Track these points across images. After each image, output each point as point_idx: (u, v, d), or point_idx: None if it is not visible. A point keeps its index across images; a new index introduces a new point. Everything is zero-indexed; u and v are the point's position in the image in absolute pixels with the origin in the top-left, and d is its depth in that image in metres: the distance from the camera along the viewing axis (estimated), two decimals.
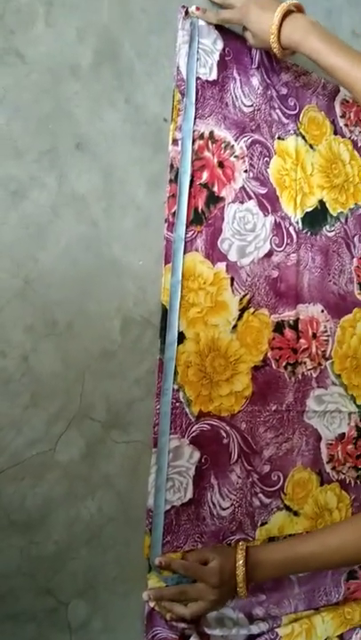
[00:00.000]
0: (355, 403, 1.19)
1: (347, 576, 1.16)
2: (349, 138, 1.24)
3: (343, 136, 1.23)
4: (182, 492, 0.94)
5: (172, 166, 0.95)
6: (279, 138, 1.11)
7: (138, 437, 0.88)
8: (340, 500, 1.16)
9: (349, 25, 1.24)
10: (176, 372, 0.93)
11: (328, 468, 1.14)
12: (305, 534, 0.98)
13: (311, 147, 1.16)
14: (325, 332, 1.15)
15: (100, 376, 0.84)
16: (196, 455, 0.95)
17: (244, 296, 1.03)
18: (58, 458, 0.80)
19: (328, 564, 0.96)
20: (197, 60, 0.99)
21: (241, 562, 0.86)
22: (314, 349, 1.13)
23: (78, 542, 0.82)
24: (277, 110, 1.11)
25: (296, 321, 1.10)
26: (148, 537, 0.89)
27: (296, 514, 1.08)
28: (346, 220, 1.21)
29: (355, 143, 1.24)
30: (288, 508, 1.07)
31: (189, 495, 0.94)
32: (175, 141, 0.96)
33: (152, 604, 0.86)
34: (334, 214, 1.19)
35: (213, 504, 0.97)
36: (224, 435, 0.99)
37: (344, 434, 1.17)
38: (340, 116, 1.22)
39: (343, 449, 1.17)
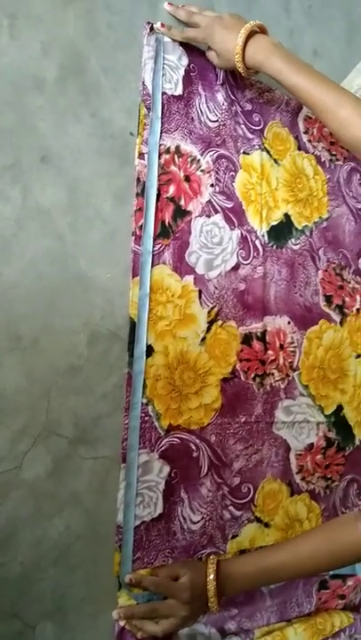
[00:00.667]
0: (323, 413, 1.21)
1: (318, 586, 1.16)
2: (313, 153, 1.26)
3: (307, 151, 1.25)
4: (152, 507, 0.93)
5: (138, 180, 0.96)
6: (245, 153, 1.13)
7: (106, 453, 0.87)
8: (310, 511, 1.17)
9: (311, 45, 1.27)
10: (145, 386, 0.93)
11: (298, 478, 1.15)
12: (276, 545, 0.98)
13: (276, 161, 1.18)
14: (293, 343, 1.16)
15: (66, 391, 0.83)
16: (166, 469, 0.95)
17: (212, 308, 1.04)
18: (23, 476, 0.79)
19: (300, 573, 0.96)
20: (163, 75, 1.01)
21: (212, 576, 0.85)
22: (281, 361, 1.14)
23: (45, 562, 0.80)
24: (242, 126, 1.13)
25: (264, 333, 1.11)
26: (118, 554, 0.87)
27: (267, 525, 1.08)
28: (311, 234, 1.23)
29: (318, 158, 1.27)
30: (259, 520, 1.07)
31: (159, 510, 0.93)
32: (141, 155, 0.96)
33: (122, 623, 0.84)
34: (299, 228, 1.21)
35: (184, 518, 0.97)
36: (194, 448, 0.99)
37: (313, 444, 1.18)
38: (304, 132, 1.25)
39: (312, 459, 1.18)
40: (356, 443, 1.28)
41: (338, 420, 1.24)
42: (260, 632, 1.03)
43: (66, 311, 0.84)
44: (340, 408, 1.24)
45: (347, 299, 1.29)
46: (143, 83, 0.98)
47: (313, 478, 1.18)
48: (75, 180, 0.87)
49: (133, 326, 0.92)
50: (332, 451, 1.22)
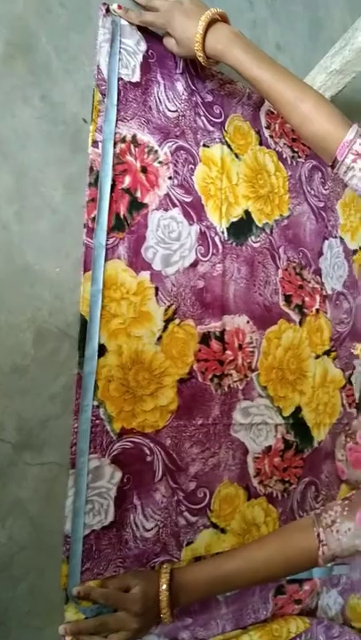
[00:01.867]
0: (281, 414, 1.18)
1: (275, 592, 1.14)
2: (274, 149, 1.24)
3: (268, 147, 1.23)
4: (103, 515, 0.88)
5: (91, 169, 0.90)
6: (205, 145, 1.09)
7: (53, 458, 0.81)
8: (267, 515, 1.14)
9: (274, 38, 1.25)
10: (96, 387, 0.88)
11: (255, 482, 1.12)
12: (230, 551, 0.94)
13: (237, 156, 1.15)
14: (251, 343, 1.13)
15: (10, 393, 0.77)
16: (118, 475, 0.90)
17: (169, 306, 1.00)
18: None
19: (255, 580, 0.93)
20: (119, 60, 0.96)
21: (165, 586, 0.81)
22: (240, 361, 1.11)
23: None
24: (203, 117, 1.09)
25: (222, 332, 1.08)
26: (66, 565, 0.82)
27: (223, 531, 1.05)
28: (271, 231, 1.21)
29: (280, 154, 1.25)
30: (215, 526, 1.04)
31: (110, 518, 0.89)
32: (95, 143, 0.91)
33: (69, 639, 0.79)
34: (260, 225, 1.18)
35: (136, 526, 0.92)
36: (148, 452, 0.94)
37: (271, 446, 1.16)
38: (266, 127, 1.23)
39: (270, 462, 1.15)
40: (315, 445, 1.26)
41: (296, 422, 1.22)
42: None
43: (10, 306, 0.78)
44: (298, 409, 1.23)
45: (306, 298, 1.27)
46: (98, 67, 0.92)
47: (271, 482, 1.15)
48: (22, 166, 0.81)
49: (85, 324, 0.87)
50: (290, 453, 1.20)
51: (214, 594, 0.99)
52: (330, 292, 1.35)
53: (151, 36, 1.01)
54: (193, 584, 0.85)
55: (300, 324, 1.25)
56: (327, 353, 1.32)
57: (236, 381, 1.09)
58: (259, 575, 0.88)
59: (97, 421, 0.87)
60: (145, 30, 1.00)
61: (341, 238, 1.41)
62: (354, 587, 1.35)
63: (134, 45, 0.99)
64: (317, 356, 1.29)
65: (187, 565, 0.96)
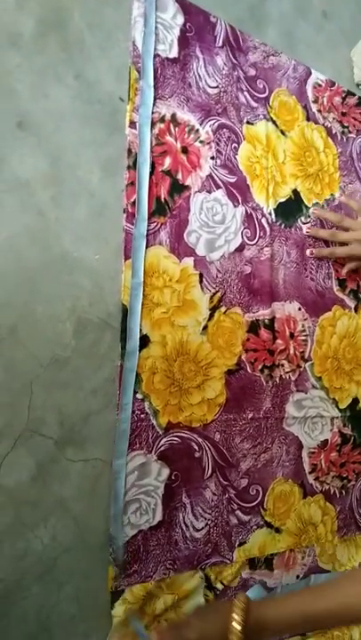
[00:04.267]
0: (337, 407, 1.11)
1: None
2: (323, 124, 1.16)
3: (316, 122, 1.15)
4: (150, 514, 0.83)
5: (130, 151, 0.86)
6: (248, 122, 1.02)
7: (96, 454, 0.77)
8: (324, 513, 1.07)
9: (320, 5, 1.17)
10: (140, 380, 0.83)
11: (311, 478, 1.06)
12: (318, 588, 0.78)
13: (283, 133, 1.08)
14: (304, 331, 1.06)
15: (50, 386, 0.74)
16: (165, 472, 0.85)
17: (214, 294, 0.94)
18: (2, 482, 0.69)
19: (350, 620, 0.76)
20: (156, 35, 0.91)
21: (238, 627, 0.65)
22: (292, 350, 1.04)
23: (29, 578, 0.71)
24: (245, 93, 1.03)
25: (272, 320, 1.01)
26: (112, 567, 0.78)
27: (278, 530, 0.99)
28: None
29: (328, 130, 1.17)
30: (269, 525, 0.98)
31: (159, 517, 0.84)
32: (133, 124, 0.87)
33: None
34: (310, 205, 1.11)
35: (186, 525, 0.87)
36: (196, 447, 0.89)
37: (327, 441, 1.09)
38: (313, 101, 1.15)
39: (326, 457, 1.08)
40: None
41: (354, 415, 1.14)
42: None
43: (49, 296, 0.75)
44: (356, 401, 1.15)
45: None
46: (133, 43, 0.88)
47: (327, 478, 1.08)
48: (57, 150, 0.77)
49: (126, 314, 0.82)
50: (347, 448, 1.12)
51: (295, 633, 0.89)
52: None
53: (189, 7, 0.96)
54: (274, 623, 0.69)
55: (356, 310, 1.16)
56: None
57: (288, 372, 1.03)
58: (354, 615, 0.72)
59: (142, 415, 0.83)
60: (182, 2, 0.94)
61: None
62: None
63: (170, 19, 0.93)
64: None
65: (265, 601, 0.80)
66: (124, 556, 0.80)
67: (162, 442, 0.85)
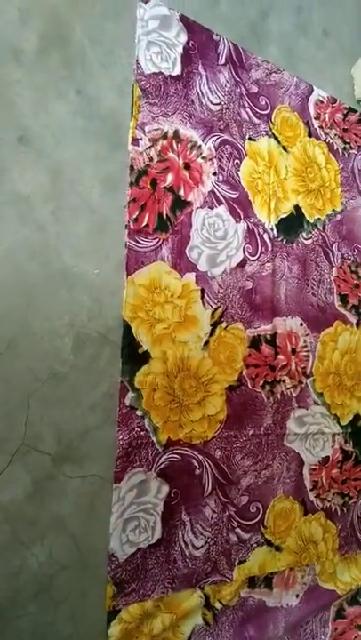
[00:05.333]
0: (339, 423, 1.10)
1: (335, 614, 1.06)
2: (325, 140, 1.17)
3: (318, 138, 1.15)
4: (150, 532, 0.82)
5: (132, 168, 0.86)
6: (250, 139, 1.03)
7: (95, 471, 0.77)
8: (325, 531, 1.06)
9: (320, 24, 1.18)
10: (141, 397, 0.83)
11: (312, 495, 1.04)
12: None
13: (285, 149, 1.09)
14: (305, 347, 1.06)
15: (48, 401, 0.73)
16: (165, 489, 0.85)
17: (216, 309, 0.94)
18: None
19: None
20: (159, 53, 0.91)
21: None
22: (293, 366, 1.04)
23: (24, 597, 0.70)
24: (248, 109, 1.04)
25: (273, 335, 1.01)
26: (111, 586, 0.77)
27: (278, 549, 0.98)
28: (323, 227, 1.13)
29: (330, 146, 1.17)
30: (269, 543, 0.97)
31: (158, 535, 0.83)
32: (135, 140, 0.87)
33: None
34: (311, 221, 1.11)
35: (185, 543, 0.86)
36: (196, 465, 0.89)
37: (328, 457, 1.08)
38: (315, 118, 1.15)
39: (328, 474, 1.07)
40: None
41: (355, 431, 1.13)
42: None
43: (48, 311, 0.74)
44: (357, 417, 1.14)
45: None
46: (137, 61, 0.89)
47: (328, 495, 1.07)
48: (57, 164, 0.77)
49: (128, 330, 0.82)
50: (349, 464, 1.11)
51: None
52: None
53: (192, 26, 0.96)
54: None
55: (358, 325, 1.16)
56: None
57: (289, 388, 1.02)
58: None
59: (142, 433, 0.82)
60: (185, 21, 0.95)
61: None
62: None
63: (174, 37, 0.94)
64: None
65: None
66: (122, 574, 0.78)
67: (162, 459, 0.85)
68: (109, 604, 0.77)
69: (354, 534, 1.12)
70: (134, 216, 0.86)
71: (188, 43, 0.96)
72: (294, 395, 1.03)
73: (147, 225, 0.87)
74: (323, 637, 1.03)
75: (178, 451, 0.87)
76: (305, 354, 1.05)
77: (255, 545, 0.95)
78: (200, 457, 0.89)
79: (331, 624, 1.05)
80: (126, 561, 0.79)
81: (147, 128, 0.89)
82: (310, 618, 1.02)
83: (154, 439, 0.84)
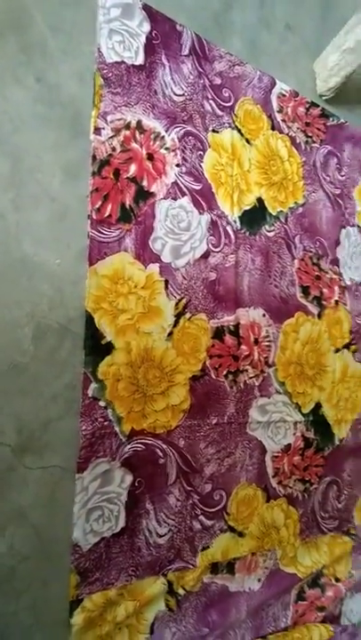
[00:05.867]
0: (300, 411, 1.13)
1: (296, 597, 1.09)
2: (287, 134, 1.18)
3: (281, 132, 1.17)
4: (113, 522, 0.83)
5: (94, 157, 0.86)
6: (213, 130, 1.04)
7: (56, 462, 0.76)
8: (287, 517, 1.09)
9: (283, 18, 1.19)
10: (104, 387, 0.83)
11: (274, 482, 1.07)
12: None
13: (248, 141, 1.09)
14: (268, 337, 1.08)
15: (8, 393, 0.73)
16: (129, 479, 0.85)
17: (179, 300, 0.95)
18: None
19: None
20: (121, 42, 0.91)
21: None
22: (256, 356, 1.05)
23: None
24: (211, 101, 1.04)
25: (236, 326, 1.02)
26: (74, 575, 0.78)
27: (241, 535, 1.00)
28: (286, 220, 1.15)
29: (293, 139, 1.19)
30: (232, 529, 0.99)
31: (121, 524, 0.84)
32: (98, 130, 0.86)
33: None
34: (274, 213, 1.13)
35: (149, 531, 0.87)
36: (160, 454, 0.89)
37: (290, 445, 1.10)
38: (278, 111, 1.17)
39: (289, 461, 1.10)
40: (336, 442, 1.20)
41: (316, 419, 1.16)
42: None
43: (7, 300, 0.74)
44: (318, 406, 1.17)
45: (324, 290, 1.21)
46: (99, 49, 0.88)
47: (290, 482, 1.10)
48: (16, 151, 0.76)
49: (90, 320, 0.82)
50: (310, 452, 1.14)
51: None
52: (349, 283, 1.28)
53: (155, 15, 0.96)
54: None
55: (319, 316, 1.19)
56: (347, 346, 1.25)
57: (252, 377, 1.04)
58: None
59: (105, 423, 0.83)
60: (149, 10, 0.95)
61: (359, 226, 1.34)
62: None
63: (137, 27, 0.94)
64: (337, 350, 1.23)
65: None
66: (86, 563, 0.79)
67: (126, 449, 0.85)
68: (73, 593, 0.78)
69: (315, 519, 1.15)
70: (97, 206, 0.85)
71: (151, 32, 0.95)
72: (257, 384, 1.05)
73: (109, 215, 0.86)
74: (284, 620, 1.06)
75: (142, 440, 0.87)
76: (267, 344, 1.07)
77: (218, 531, 0.97)
78: (164, 446, 0.90)
79: (292, 606, 1.08)
80: (90, 550, 0.80)
81: (109, 118, 0.88)
82: (272, 601, 1.05)
83: (117, 429, 0.84)
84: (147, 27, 0.95)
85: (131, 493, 0.85)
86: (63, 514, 0.77)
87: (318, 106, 1.26)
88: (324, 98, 1.27)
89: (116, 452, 0.84)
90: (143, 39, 0.94)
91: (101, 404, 0.82)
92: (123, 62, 0.91)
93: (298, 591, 1.09)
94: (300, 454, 1.12)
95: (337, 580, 1.15)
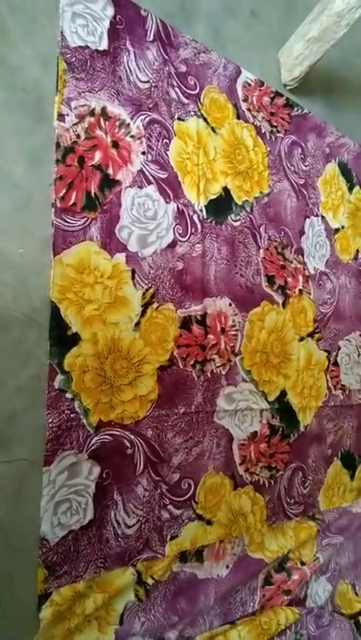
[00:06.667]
0: (266, 399, 1.14)
1: (263, 582, 1.11)
2: (252, 123, 1.18)
3: (246, 121, 1.17)
4: (81, 514, 0.82)
5: (58, 145, 0.84)
6: (179, 118, 1.03)
7: (23, 455, 0.75)
8: (254, 503, 1.10)
9: (248, 4, 1.18)
10: (70, 379, 0.82)
11: (241, 469, 1.08)
12: None
13: (213, 130, 1.09)
14: (234, 326, 1.08)
15: None
16: (97, 470, 0.85)
17: (147, 290, 0.94)
18: None
19: None
20: (85, 26, 0.89)
21: None
22: (223, 345, 1.06)
23: None
24: (176, 89, 1.03)
25: (204, 316, 1.03)
26: (42, 569, 0.77)
27: (209, 523, 1.01)
28: (251, 210, 1.15)
29: (258, 129, 1.19)
30: (200, 518, 0.99)
31: (90, 516, 0.83)
32: (61, 116, 0.84)
33: None
34: (239, 203, 1.13)
35: (118, 522, 0.87)
36: (128, 445, 0.89)
37: (257, 432, 1.12)
38: (243, 100, 1.16)
39: (256, 448, 1.11)
40: (301, 429, 1.23)
41: (282, 407, 1.18)
42: (203, 638, 0.95)
43: None
44: (283, 393, 1.18)
45: (289, 279, 1.23)
46: (62, 33, 0.85)
47: (257, 469, 1.11)
48: None
49: (55, 310, 0.80)
50: (276, 439, 1.16)
51: None
52: (312, 272, 1.30)
53: (119, 0, 0.94)
54: None
55: (284, 305, 1.20)
56: (311, 335, 1.28)
57: (218, 366, 1.04)
58: None
59: (72, 415, 0.82)
60: None
61: (323, 217, 1.36)
62: (342, 573, 1.33)
63: (100, 10, 0.92)
64: (301, 338, 1.25)
65: None
66: (54, 557, 0.78)
67: (93, 441, 0.84)
68: (41, 587, 0.77)
69: (281, 505, 1.17)
70: (61, 194, 0.83)
71: (115, 17, 0.93)
72: (223, 373, 1.05)
73: (74, 204, 0.85)
74: (252, 604, 1.08)
75: (109, 432, 0.86)
76: (234, 333, 1.08)
77: (187, 520, 0.97)
78: (132, 437, 0.89)
79: (259, 591, 1.10)
80: (58, 544, 0.79)
81: (73, 104, 0.86)
82: (240, 587, 1.06)
83: (84, 421, 0.83)
84: (111, 11, 0.93)
85: (99, 485, 0.85)
86: (30, 508, 0.75)
87: (283, 95, 1.26)
88: (288, 87, 1.28)
89: (84, 443, 0.83)
90: (107, 24, 0.92)
91: (68, 395, 0.81)
92: (87, 47, 0.89)
93: (265, 576, 1.11)
94: (266, 442, 1.14)
95: (303, 563, 1.18)
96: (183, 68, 1.05)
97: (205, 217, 1.05)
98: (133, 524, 0.89)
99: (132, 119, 0.95)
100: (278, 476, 1.17)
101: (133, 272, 0.92)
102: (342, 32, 1.14)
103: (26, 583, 0.75)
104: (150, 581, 0.91)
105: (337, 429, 1.31)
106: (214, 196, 1.08)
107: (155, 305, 0.95)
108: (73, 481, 0.81)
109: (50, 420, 0.79)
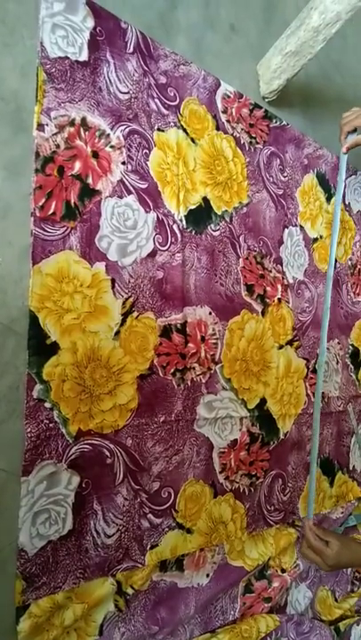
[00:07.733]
0: (246, 407, 1.15)
1: (243, 589, 1.11)
2: (232, 134, 1.20)
3: (225, 132, 1.18)
4: (60, 524, 0.82)
5: (37, 154, 0.84)
6: (159, 129, 1.04)
7: (0, 465, 0.74)
8: (234, 511, 1.11)
9: (227, 19, 1.20)
10: (49, 388, 0.82)
11: (221, 478, 1.09)
12: None
13: (193, 141, 1.10)
14: (214, 334, 1.09)
15: None
16: (76, 480, 0.84)
17: (127, 299, 0.94)
18: None
19: None
20: (65, 37, 0.89)
21: None
22: (203, 353, 1.06)
23: None
24: (156, 100, 1.04)
25: (184, 324, 1.03)
26: (20, 581, 0.76)
27: (189, 531, 1.01)
28: (231, 219, 1.17)
29: (237, 140, 1.21)
30: (180, 526, 1.00)
31: (69, 526, 0.83)
32: (41, 126, 0.85)
33: None
34: (219, 213, 1.14)
35: (97, 532, 0.87)
36: (108, 454, 0.89)
37: (236, 440, 1.12)
38: (222, 112, 1.18)
39: (236, 456, 1.12)
40: (281, 436, 1.24)
41: (262, 414, 1.19)
42: None
43: None
44: (263, 401, 1.20)
45: (268, 288, 1.24)
46: (42, 44, 0.86)
47: (237, 477, 1.12)
48: None
49: (33, 320, 0.80)
50: (256, 446, 1.17)
51: None
52: (291, 281, 1.32)
53: (99, 11, 0.95)
54: None
55: (263, 314, 1.21)
56: (290, 343, 1.29)
57: (199, 375, 1.05)
58: None
59: (51, 425, 0.81)
60: (92, 6, 0.94)
61: (301, 226, 1.38)
62: (322, 579, 1.34)
63: (80, 22, 0.92)
64: (281, 347, 1.26)
65: None
66: (32, 568, 0.77)
67: (72, 450, 0.84)
68: (19, 599, 0.76)
69: (261, 512, 1.18)
70: (40, 203, 0.83)
71: (95, 28, 0.94)
72: (204, 381, 1.06)
73: (54, 213, 0.85)
74: (232, 612, 1.08)
75: (89, 441, 0.86)
76: (214, 341, 1.09)
77: (167, 529, 0.97)
78: (111, 446, 0.89)
79: (240, 599, 1.10)
80: (36, 555, 0.78)
81: (53, 114, 0.86)
82: (220, 595, 1.07)
83: (64, 431, 0.83)
84: (91, 22, 0.94)
85: (78, 495, 0.84)
86: (8, 518, 0.75)
87: (262, 107, 1.28)
88: (267, 100, 1.30)
89: (63, 453, 0.83)
90: (87, 35, 0.93)
91: (47, 405, 0.81)
92: (67, 58, 0.89)
93: (245, 584, 1.11)
94: (246, 449, 1.14)
95: (283, 570, 1.18)
96: (163, 80, 1.06)
97: (185, 227, 1.06)
98: (113, 534, 0.89)
99: (112, 129, 0.95)
100: (258, 484, 1.17)
101: (113, 281, 0.92)
102: (319, 46, 1.16)
103: (3, 595, 0.74)
104: (130, 591, 0.90)
105: None
106: (194, 206, 1.09)
107: (135, 314, 0.95)
108: (52, 491, 0.81)
109: (28, 430, 0.78)
